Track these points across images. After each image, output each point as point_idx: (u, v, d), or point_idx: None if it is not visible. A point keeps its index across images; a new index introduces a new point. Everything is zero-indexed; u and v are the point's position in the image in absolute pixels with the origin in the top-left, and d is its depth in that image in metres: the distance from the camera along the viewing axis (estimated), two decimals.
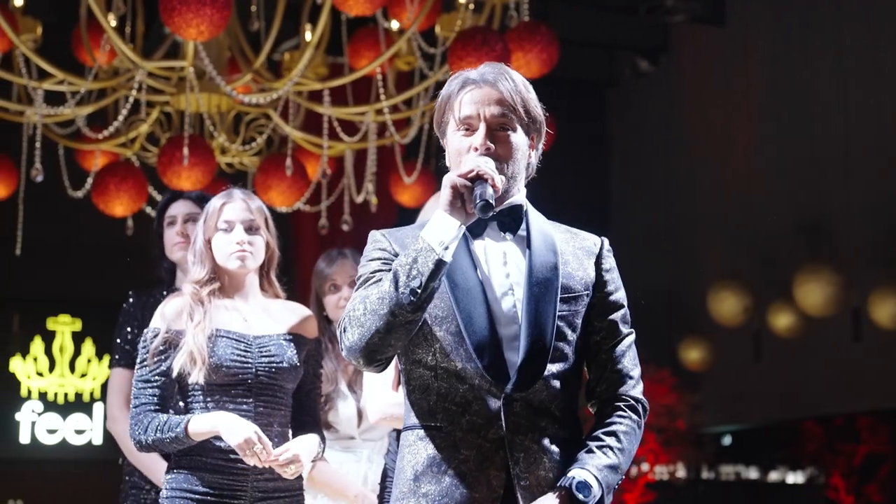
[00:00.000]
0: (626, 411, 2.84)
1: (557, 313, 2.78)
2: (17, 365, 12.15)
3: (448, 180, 2.66)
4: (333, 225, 7.34)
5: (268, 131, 6.72)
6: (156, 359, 3.63)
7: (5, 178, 7.13)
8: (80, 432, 12.33)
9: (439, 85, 7.14)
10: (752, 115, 12.12)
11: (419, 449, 2.75)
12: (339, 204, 7.34)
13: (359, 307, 2.66)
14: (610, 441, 2.78)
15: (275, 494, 3.68)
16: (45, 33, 7.32)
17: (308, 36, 7.01)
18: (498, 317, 2.75)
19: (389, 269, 2.71)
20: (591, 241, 2.96)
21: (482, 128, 2.77)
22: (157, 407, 3.61)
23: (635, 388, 2.87)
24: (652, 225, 13.56)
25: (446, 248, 2.61)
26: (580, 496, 2.66)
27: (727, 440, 13.77)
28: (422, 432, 2.75)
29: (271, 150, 7.18)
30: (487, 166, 2.68)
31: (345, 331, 2.69)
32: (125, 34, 7.22)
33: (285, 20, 8.19)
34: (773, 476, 12.74)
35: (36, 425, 12.28)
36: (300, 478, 3.79)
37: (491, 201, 2.61)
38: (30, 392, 12.20)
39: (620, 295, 2.93)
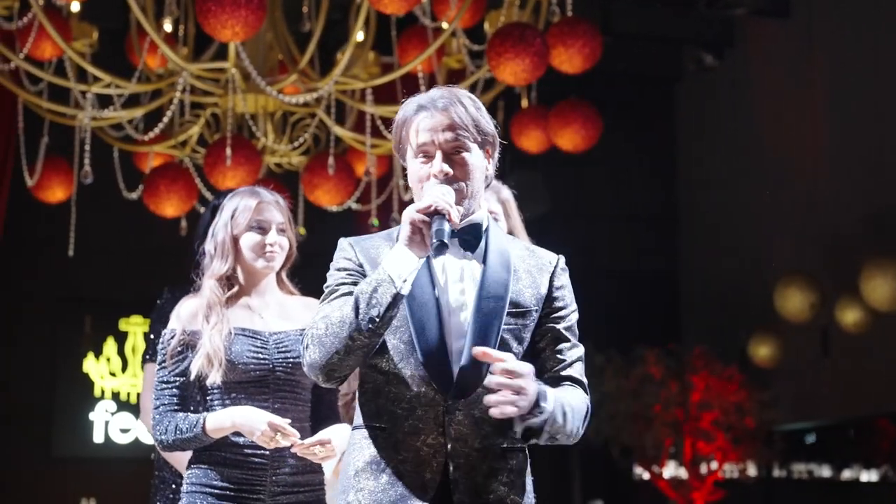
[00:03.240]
0: (578, 390, 2.96)
1: (503, 327, 2.90)
2: (90, 365, 12.33)
3: (407, 216, 2.80)
4: (384, 223, 7.37)
5: (311, 129, 6.75)
6: (174, 359, 3.70)
7: (64, 181, 7.26)
8: None
9: (487, 83, 7.16)
10: (819, 107, 11.95)
11: (363, 447, 2.91)
12: (390, 202, 7.37)
13: (320, 326, 2.85)
14: (561, 390, 2.88)
15: (294, 489, 3.71)
16: (108, 39, 7.45)
17: (359, 36, 7.06)
18: (449, 330, 2.89)
19: (352, 282, 2.90)
20: (548, 259, 3.07)
21: (438, 155, 2.90)
22: (177, 407, 3.68)
23: (585, 392, 2.98)
24: (720, 220, 13.44)
25: (405, 281, 2.77)
26: (542, 402, 2.74)
27: (811, 438, 13.59)
28: (366, 432, 2.91)
29: (319, 150, 7.22)
30: (445, 199, 2.81)
31: (307, 348, 2.89)
32: (178, 37, 7.33)
33: (343, 21, 8.26)
34: (847, 474, 12.54)
35: (109, 425, 12.44)
36: (321, 472, 3.81)
37: (446, 241, 2.75)
38: (103, 392, 12.37)
39: (569, 312, 3.03)
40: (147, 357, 4.66)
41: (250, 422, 3.54)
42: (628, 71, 13.04)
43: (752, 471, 12.70)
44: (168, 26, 7.22)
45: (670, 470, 12.46)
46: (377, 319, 2.75)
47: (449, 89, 2.99)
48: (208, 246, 3.86)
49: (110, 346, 12.38)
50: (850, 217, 11.35)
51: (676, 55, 13.59)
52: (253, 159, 6.22)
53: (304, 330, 3.76)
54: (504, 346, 2.87)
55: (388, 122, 6.97)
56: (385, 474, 2.84)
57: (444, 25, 6.96)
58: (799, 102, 12.21)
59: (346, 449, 2.99)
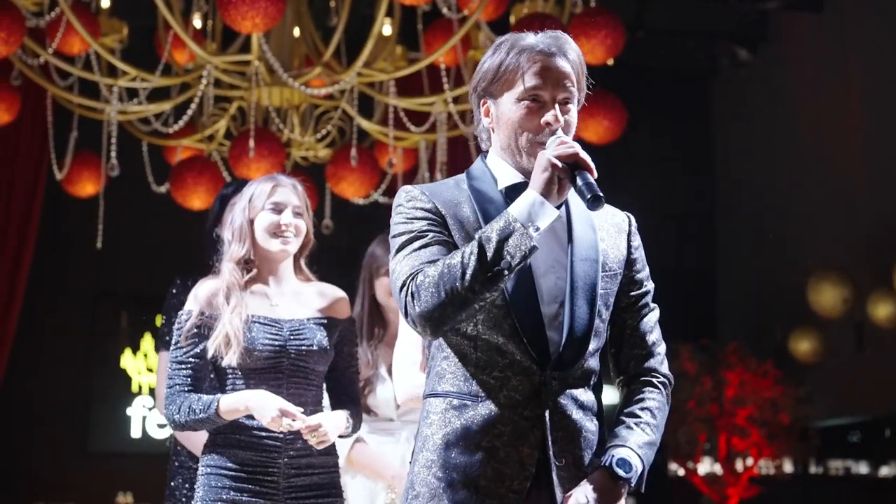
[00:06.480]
0: (656, 387, 2.84)
1: (599, 292, 2.77)
2: (127, 361, 12.40)
3: (547, 160, 2.58)
4: None
5: (334, 121, 6.77)
6: (189, 341, 3.72)
7: (93, 175, 7.32)
8: None
9: None
10: (855, 101, 11.87)
11: (451, 418, 2.69)
12: None
13: (431, 273, 2.57)
14: (646, 417, 2.77)
15: (307, 471, 3.75)
16: (140, 35, 7.48)
17: (386, 29, 7.08)
18: (542, 294, 2.71)
19: (439, 230, 2.69)
20: (621, 218, 2.95)
21: (556, 105, 2.72)
22: (190, 388, 3.71)
23: (662, 364, 2.88)
24: (756, 215, 13.36)
25: (538, 232, 2.56)
26: (621, 472, 2.65)
27: (854, 436, 13.47)
28: (456, 401, 2.70)
29: (345, 142, 7.24)
30: (584, 151, 2.60)
31: (413, 297, 2.58)
32: (206, 32, 7.37)
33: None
34: (885, 471, 12.42)
35: (146, 420, 12.53)
36: (335, 454, 3.85)
37: (601, 194, 2.54)
38: (140, 388, 12.45)
39: (647, 272, 2.93)
40: (161, 346, 4.70)
41: (262, 406, 3.58)
42: (662, 66, 12.99)
43: (787, 467, 12.61)
44: (198, 22, 7.27)
45: (705, 466, 12.40)
46: (506, 272, 2.52)
47: (563, 35, 2.78)
48: (226, 231, 3.90)
49: (147, 341, 12.44)
50: (888, 212, 11.25)
51: (710, 50, 13.52)
52: (277, 151, 6.25)
53: (317, 317, 3.81)
54: (598, 313, 2.76)
55: (412, 114, 6.97)
56: (481, 450, 2.64)
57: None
58: (834, 97, 12.12)
59: (425, 418, 2.76)
